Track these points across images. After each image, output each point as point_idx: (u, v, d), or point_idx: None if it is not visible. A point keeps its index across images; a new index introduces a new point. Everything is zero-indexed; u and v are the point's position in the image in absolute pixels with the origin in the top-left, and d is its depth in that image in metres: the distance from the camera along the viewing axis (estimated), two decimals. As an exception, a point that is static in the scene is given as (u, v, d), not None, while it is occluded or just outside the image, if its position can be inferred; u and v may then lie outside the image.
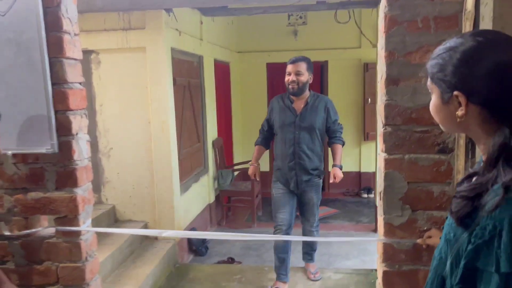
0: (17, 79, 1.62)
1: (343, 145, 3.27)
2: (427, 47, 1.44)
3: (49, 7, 1.57)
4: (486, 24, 1.31)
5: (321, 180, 3.30)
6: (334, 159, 3.28)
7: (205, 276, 3.67)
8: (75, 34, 1.68)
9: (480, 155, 0.92)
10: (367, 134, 6.58)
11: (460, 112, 0.84)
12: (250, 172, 3.37)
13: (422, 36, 1.44)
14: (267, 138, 3.36)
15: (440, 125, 0.95)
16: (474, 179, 0.85)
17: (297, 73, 3.01)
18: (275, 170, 3.28)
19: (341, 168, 3.26)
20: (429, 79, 0.93)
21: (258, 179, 3.41)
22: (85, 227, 1.73)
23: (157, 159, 3.93)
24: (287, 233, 3.26)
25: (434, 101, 0.92)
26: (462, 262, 0.81)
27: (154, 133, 3.91)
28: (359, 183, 6.83)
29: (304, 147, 3.08)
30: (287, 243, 3.30)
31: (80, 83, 1.72)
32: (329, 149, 3.38)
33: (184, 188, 4.37)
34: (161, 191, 3.97)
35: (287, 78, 3.09)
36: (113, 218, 4.00)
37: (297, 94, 3.08)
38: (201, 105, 5.00)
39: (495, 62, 0.80)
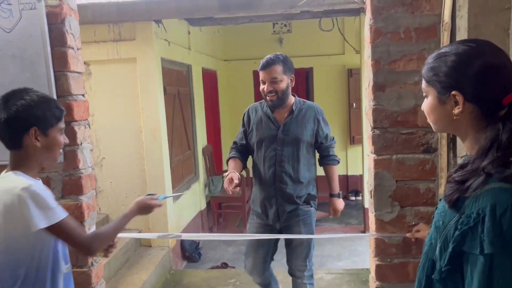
0: (23, 93, 1.69)
1: (337, 164, 2.59)
2: (409, 55, 1.57)
3: (54, 24, 1.65)
4: (462, 34, 1.44)
5: (313, 209, 2.51)
6: (330, 186, 2.58)
7: (200, 281, 3.74)
8: (78, 49, 1.76)
9: (464, 152, 1.03)
10: (353, 138, 6.73)
11: (457, 110, 0.95)
12: (225, 184, 2.24)
13: (404, 45, 1.57)
14: (242, 152, 2.54)
15: (432, 124, 1.04)
16: (467, 167, 0.95)
17: (273, 81, 2.26)
18: (251, 199, 2.57)
19: (339, 197, 2.58)
20: (424, 83, 1.03)
21: (237, 182, 2.22)
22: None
23: (149, 167, 3.99)
24: None
25: (430, 101, 1.02)
26: (450, 246, 0.91)
27: (146, 142, 3.97)
28: (347, 186, 6.97)
29: (288, 167, 2.35)
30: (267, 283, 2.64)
31: (83, 95, 1.79)
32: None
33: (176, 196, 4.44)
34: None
35: (261, 87, 2.34)
36: (106, 227, 4.03)
37: (278, 106, 2.36)
38: (191, 113, 5.09)
39: (485, 63, 0.92)
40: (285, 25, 6.79)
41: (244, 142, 2.52)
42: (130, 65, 3.88)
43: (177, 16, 3.94)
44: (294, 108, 2.39)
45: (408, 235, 1.60)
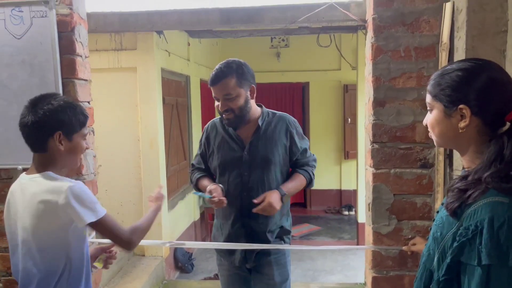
0: (30, 98, 1.72)
1: (308, 183, 1.99)
2: (409, 73, 1.63)
3: (64, 32, 1.69)
4: (460, 55, 1.50)
5: (288, 245, 2.03)
6: (284, 183, 1.94)
7: (193, 291, 3.73)
8: (86, 57, 1.80)
9: (460, 168, 1.08)
10: (347, 153, 6.79)
11: (463, 124, 0.99)
12: (209, 192, 1.86)
13: (404, 63, 1.63)
14: (206, 170, 2.06)
15: (436, 137, 1.08)
16: (469, 178, 0.99)
17: (226, 98, 1.82)
18: (212, 235, 2.10)
19: (282, 198, 1.85)
20: (430, 98, 1.07)
21: (217, 200, 1.81)
22: (91, 239, 1.81)
23: (146, 176, 4.00)
24: None
25: (435, 115, 1.06)
26: (449, 257, 0.95)
27: (143, 151, 3.99)
28: (340, 200, 7.01)
29: (258, 195, 1.84)
30: None
31: (89, 102, 1.83)
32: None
33: (171, 205, 4.45)
34: (149, 208, 4.02)
35: (215, 104, 1.90)
36: (100, 235, 4.02)
37: (238, 125, 1.91)
38: (188, 124, 5.12)
39: (491, 77, 0.98)
40: (283, 40, 6.89)
41: (203, 166, 2.06)
42: (130, 74, 3.91)
43: (179, 27, 4.00)
44: (260, 122, 1.93)
45: (404, 248, 1.63)
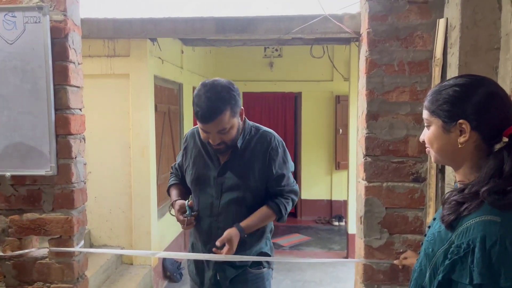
0: (21, 105, 1.69)
1: (278, 218, 1.78)
2: (402, 87, 1.64)
3: (57, 38, 1.68)
4: (453, 71, 1.51)
5: (268, 270, 1.86)
6: (246, 219, 1.73)
7: (182, 302, 3.68)
8: (79, 63, 1.78)
9: (452, 182, 1.08)
10: (338, 163, 6.81)
11: (462, 139, 1.00)
12: (178, 215, 1.76)
13: (398, 77, 1.64)
14: (182, 178, 1.95)
15: (435, 153, 1.08)
16: (466, 191, 0.99)
17: (221, 132, 1.65)
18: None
19: (241, 235, 1.68)
20: (427, 114, 1.08)
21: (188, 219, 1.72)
22: (79, 248, 1.78)
23: (136, 183, 3.97)
24: None
25: (433, 131, 1.06)
26: (440, 275, 0.95)
27: (134, 158, 3.96)
28: (330, 210, 7.01)
29: (227, 223, 1.72)
30: None
31: (80, 109, 1.81)
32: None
33: (161, 213, 4.40)
34: (138, 215, 3.99)
35: (203, 135, 1.71)
36: (88, 243, 3.97)
37: (226, 153, 1.76)
38: (180, 131, 5.10)
39: (488, 91, 0.99)
40: (276, 50, 6.93)
41: (180, 174, 1.96)
42: (123, 80, 3.89)
43: (173, 36, 4.00)
44: (239, 143, 1.74)
45: (395, 262, 1.64)
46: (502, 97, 1.01)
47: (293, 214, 7.17)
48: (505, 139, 0.99)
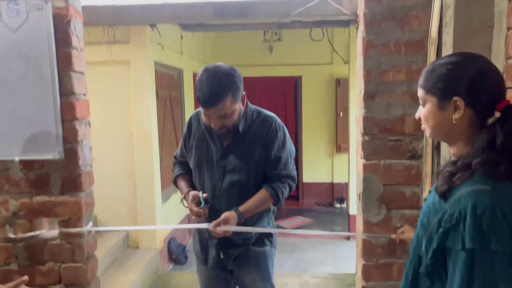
0: (27, 91, 1.74)
1: (275, 202, 1.84)
2: (398, 67, 1.67)
3: (59, 25, 1.71)
4: (448, 49, 1.54)
5: (270, 248, 1.94)
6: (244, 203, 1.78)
7: (187, 283, 3.77)
8: (81, 50, 1.82)
9: (448, 158, 1.13)
10: (339, 146, 6.86)
11: (457, 115, 1.04)
12: (190, 205, 1.78)
13: (394, 58, 1.67)
14: (188, 169, 1.95)
15: (430, 129, 1.12)
16: (459, 163, 1.04)
17: (222, 117, 1.69)
18: (193, 235, 2.06)
19: (239, 219, 1.72)
20: (422, 92, 1.11)
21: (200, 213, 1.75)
22: (88, 228, 1.85)
23: (139, 169, 4.03)
24: None
25: (429, 109, 1.10)
26: (435, 242, 1.01)
27: (137, 144, 4.01)
28: (332, 193, 7.08)
29: (230, 205, 1.76)
30: None
31: (84, 95, 1.85)
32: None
33: (165, 197, 4.48)
34: (143, 200, 4.06)
35: (204, 119, 1.75)
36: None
37: (228, 136, 1.79)
38: (181, 117, 5.14)
39: (479, 68, 1.03)
40: (276, 34, 6.91)
41: (184, 160, 1.97)
42: (123, 67, 3.92)
43: (173, 21, 4.01)
44: (241, 127, 1.78)
45: (393, 236, 1.69)
46: (494, 73, 1.05)
47: (295, 197, 7.25)
48: (498, 114, 1.03)
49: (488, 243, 0.91)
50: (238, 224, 1.72)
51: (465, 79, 1.03)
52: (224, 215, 1.70)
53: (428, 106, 1.11)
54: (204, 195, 1.75)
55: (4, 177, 1.81)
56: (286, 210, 6.69)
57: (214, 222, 1.69)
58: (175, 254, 4.61)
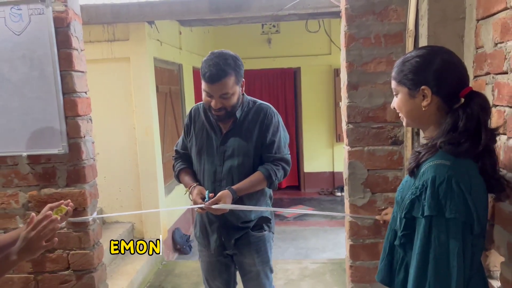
0: (31, 90, 1.86)
1: (269, 184, 1.94)
2: (379, 58, 1.77)
3: (60, 27, 1.82)
4: (423, 41, 1.64)
5: (269, 233, 2.05)
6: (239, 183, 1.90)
7: (192, 271, 3.91)
8: (81, 50, 1.93)
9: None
10: (338, 136, 6.96)
11: (425, 103, 1.16)
12: (194, 196, 1.87)
13: (375, 49, 1.77)
14: (190, 163, 2.05)
15: (404, 116, 1.25)
16: (428, 144, 1.16)
17: (224, 96, 1.81)
18: (195, 221, 2.15)
19: (234, 197, 1.84)
20: (394, 83, 1.24)
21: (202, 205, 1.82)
22: (93, 216, 1.98)
23: (142, 162, 4.16)
24: None
25: (400, 98, 1.23)
26: (403, 213, 1.12)
27: (139, 138, 4.14)
28: (333, 182, 7.20)
29: (230, 186, 1.87)
30: None
31: (85, 92, 1.97)
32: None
33: (168, 190, 4.61)
34: (146, 192, 4.20)
35: (205, 99, 1.87)
36: (100, 220, 4.19)
37: (226, 120, 1.92)
38: (182, 111, 5.26)
39: (443, 59, 1.15)
40: (274, 26, 6.98)
41: (186, 152, 2.07)
42: (123, 64, 4.04)
43: (170, 17, 4.10)
44: (238, 114, 1.91)
45: (377, 217, 1.81)
46: (456, 63, 1.17)
47: (296, 187, 7.38)
48: (462, 100, 1.14)
49: (444, 210, 1.03)
50: (234, 201, 1.83)
51: (431, 70, 1.15)
52: (219, 194, 1.81)
53: (400, 95, 1.23)
54: (211, 194, 1.83)
55: (13, 172, 1.94)
56: (288, 200, 6.82)
57: (209, 201, 1.79)
58: (179, 244, 4.76)
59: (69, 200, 1.47)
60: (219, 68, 1.76)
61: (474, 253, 1.09)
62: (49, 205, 1.36)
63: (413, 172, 1.16)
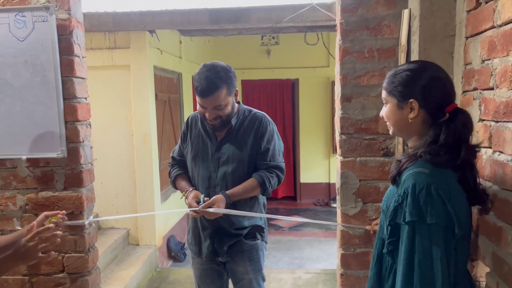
0: (33, 95, 1.90)
1: (263, 191, 1.97)
2: (372, 72, 1.83)
3: (63, 35, 1.88)
4: (415, 56, 1.70)
5: (262, 242, 2.07)
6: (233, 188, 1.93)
7: (185, 278, 3.93)
8: (83, 57, 1.98)
9: None
10: (335, 147, 6.98)
11: (412, 115, 1.21)
12: (189, 200, 1.90)
13: (368, 63, 1.83)
14: (186, 169, 2.09)
15: (391, 127, 1.30)
16: (410, 154, 1.22)
17: (217, 108, 1.86)
18: (188, 228, 2.15)
19: (227, 202, 1.86)
20: (385, 93, 1.29)
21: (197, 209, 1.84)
22: (89, 220, 2.01)
23: (139, 169, 4.19)
24: None
25: (389, 108, 1.28)
26: (387, 220, 1.17)
27: (137, 145, 4.18)
28: (329, 193, 7.23)
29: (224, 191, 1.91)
30: None
31: (85, 98, 2.01)
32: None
33: (164, 197, 4.64)
34: (142, 199, 4.23)
35: (200, 110, 1.92)
36: (96, 226, 4.20)
37: (221, 129, 1.97)
38: (180, 119, 5.31)
39: (431, 75, 1.20)
40: (273, 37, 7.07)
41: (182, 159, 2.10)
42: (124, 71, 4.09)
43: (170, 27, 4.18)
44: (234, 122, 1.96)
45: (368, 227, 1.85)
46: (443, 80, 1.23)
47: (292, 198, 7.41)
48: (447, 115, 1.19)
49: (425, 216, 1.08)
50: (227, 206, 1.85)
51: (419, 85, 1.21)
52: (213, 198, 1.84)
53: (389, 106, 1.29)
54: (206, 198, 1.85)
55: (12, 174, 1.97)
56: (284, 210, 6.84)
57: (203, 205, 1.81)
58: (174, 251, 4.77)
59: (64, 212, 1.48)
60: (210, 82, 1.81)
61: (458, 258, 1.13)
62: (45, 213, 1.38)
63: (395, 180, 1.21)
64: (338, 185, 1.92)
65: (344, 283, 1.94)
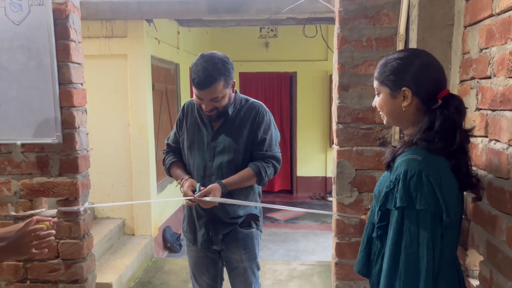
0: (28, 80, 1.89)
1: (259, 181, 1.96)
2: (370, 61, 1.82)
3: (59, 19, 1.86)
4: (413, 45, 1.69)
5: (257, 231, 2.08)
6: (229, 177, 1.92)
7: (181, 268, 3.93)
8: (79, 42, 1.97)
9: None
10: (332, 141, 6.99)
11: (405, 103, 1.21)
12: (185, 188, 1.89)
13: (366, 52, 1.82)
14: (180, 155, 2.08)
15: (385, 116, 1.30)
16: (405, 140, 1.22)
17: (214, 100, 1.84)
18: (183, 216, 2.14)
19: (223, 191, 1.86)
20: (377, 83, 1.29)
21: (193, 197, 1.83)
22: (84, 207, 2.00)
23: (135, 159, 4.18)
24: None
25: (382, 98, 1.28)
26: (378, 206, 1.17)
27: (133, 135, 4.16)
28: (325, 187, 7.25)
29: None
30: None
31: (81, 84, 2.00)
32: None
33: (160, 188, 4.63)
34: (138, 190, 4.22)
35: (196, 101, 1.90)
36: (92, 215, 4.20)
37: (218, 120, 1.95)
38: (177, 110, 5.28)
39: (422, 62, 1.20)
40: (272, 30, 7.05)
41: (177, 146, 2.08)
42: (121, 61, 4.07)
43: (168, 17, 4.15)
44: (230, 111, 1.94)
45: (362, 217, 1.85)
46: (435, 66, 1.23)
47: (289, 191, 7.42)
48: (440, 101, 1.19)
49: (414, 202, 1.08)
50: (223, 195, 1.85)
51: (411, 72, 1.20)
52: (208, 187, 1.83)
53: (382, 95, 1.28)
54: (201, 187, 1.85)
55: (7, 159, 1.96)
56: (280, 203, 6.84)
57: (199, 193, 1.81)
58: (169, 242, 4.77)
59: (55, 219, 1.45)
60: (207, 74, 1.78)
61: (445, 245, 1.14)
62: (36, 217, 1.36)
63: (389, 166, 1.21)
64: (334, 174, 1.92)
65: (339, 272, 1.94)
